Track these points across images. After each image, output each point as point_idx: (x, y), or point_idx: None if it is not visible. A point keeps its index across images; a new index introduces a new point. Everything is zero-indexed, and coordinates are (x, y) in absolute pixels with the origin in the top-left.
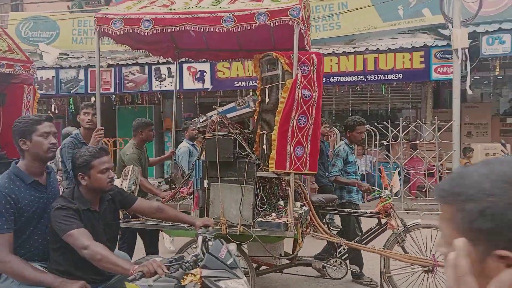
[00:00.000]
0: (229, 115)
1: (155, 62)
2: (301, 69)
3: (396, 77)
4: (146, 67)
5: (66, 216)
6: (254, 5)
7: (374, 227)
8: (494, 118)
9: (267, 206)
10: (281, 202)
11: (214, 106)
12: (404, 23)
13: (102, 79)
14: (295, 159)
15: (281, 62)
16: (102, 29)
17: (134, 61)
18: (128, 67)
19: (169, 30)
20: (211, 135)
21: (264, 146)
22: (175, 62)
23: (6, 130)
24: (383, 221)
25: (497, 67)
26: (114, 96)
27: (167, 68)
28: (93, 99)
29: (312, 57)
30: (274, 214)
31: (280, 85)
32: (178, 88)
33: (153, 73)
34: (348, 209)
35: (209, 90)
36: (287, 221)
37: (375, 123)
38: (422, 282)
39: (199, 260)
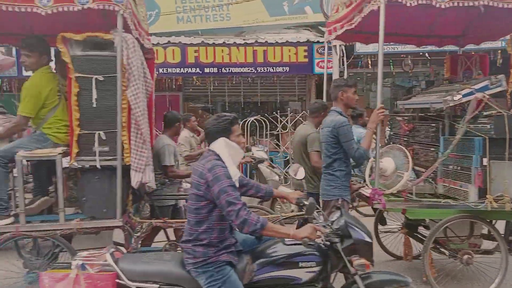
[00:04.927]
0: None
1: None
2: None
3: (283, 70)
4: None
5: None
6: None
7: None
8: (367, 111)
9: None
10: None
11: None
12: (289, 19)
13: None
14: None
15: None
16: None
17: None
18: None
19: None
20: (499, 112)
21: None
22: None
23: None
24: None
25: (369, 64)
26: None
27: None
28: None
29: None
30: None
31: None
32: None
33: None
34: None
35: None
36: None
37: (266, 114)
38: None
39: None
